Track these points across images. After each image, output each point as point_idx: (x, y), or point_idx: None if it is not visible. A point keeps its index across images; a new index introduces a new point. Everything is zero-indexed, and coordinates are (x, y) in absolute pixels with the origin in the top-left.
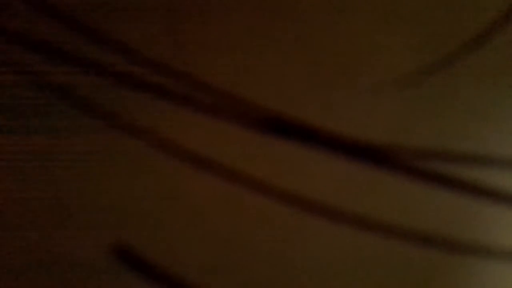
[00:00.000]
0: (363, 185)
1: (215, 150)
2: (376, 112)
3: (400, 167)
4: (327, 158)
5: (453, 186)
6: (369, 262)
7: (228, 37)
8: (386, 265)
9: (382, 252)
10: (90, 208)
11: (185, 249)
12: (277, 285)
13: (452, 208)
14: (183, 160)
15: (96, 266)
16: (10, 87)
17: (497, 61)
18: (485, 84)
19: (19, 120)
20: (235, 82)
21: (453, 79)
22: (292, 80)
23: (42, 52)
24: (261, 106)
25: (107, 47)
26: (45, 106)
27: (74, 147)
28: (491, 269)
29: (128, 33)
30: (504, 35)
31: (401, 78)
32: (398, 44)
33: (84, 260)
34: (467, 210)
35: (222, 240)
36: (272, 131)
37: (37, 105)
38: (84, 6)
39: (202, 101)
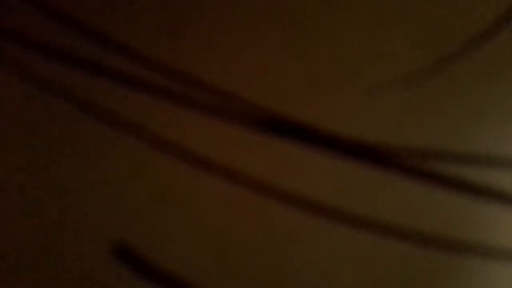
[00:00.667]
0: (363, 185)
1: (215, 150)
2: (376, 112)
3: (400, 167)
4: (327, 158)
5: (453, 186)
6: (368, 262)
7: (228, 37)
8: (385, 265)
9: (382, 252)
10: (90, 208)
11: (185, 249)
12: (277, 285)
13: (452, 208)
14: (183, 160)
15: (96, 266)
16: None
17: (497, 61)
18: (485, 84)
19: None
20: (235, 82)
21: (453, 79)
22: (292, 80)
23: (41, 52)
24: (261, 106)
25: (107, 47)
26: (44, 106)
27: (74, 147)
28: (491, 269)
29: (128, 33)
30: (504, 35)
31: (401, 78)
32: (398, 44)
33: (84, 260)
34: (467, 210)
35: (222, 239)
36: (272, 131)
37: (36, 105)
38: (84, 6)
39: (201, 101)
